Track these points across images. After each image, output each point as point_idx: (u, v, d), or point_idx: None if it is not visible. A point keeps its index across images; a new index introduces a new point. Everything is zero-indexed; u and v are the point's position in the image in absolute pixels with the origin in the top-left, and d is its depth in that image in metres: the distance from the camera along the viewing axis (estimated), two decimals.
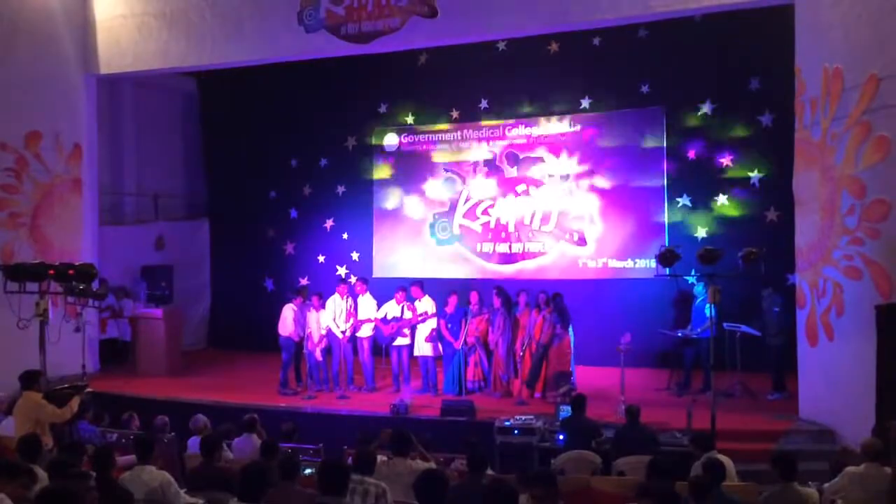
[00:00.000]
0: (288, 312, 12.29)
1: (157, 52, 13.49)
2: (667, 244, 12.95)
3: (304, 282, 15.67)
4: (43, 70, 13.15)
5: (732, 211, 13.52)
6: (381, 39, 12.13)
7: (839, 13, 9.33)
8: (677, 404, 10.41)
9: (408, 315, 12.00)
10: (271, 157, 16.56)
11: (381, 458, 6.55)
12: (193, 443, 8.05)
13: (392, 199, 15.89)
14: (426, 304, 12.05)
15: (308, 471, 6.40)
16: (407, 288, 12.26)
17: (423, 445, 7.52)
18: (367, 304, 12.30)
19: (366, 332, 12.25)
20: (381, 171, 16.00)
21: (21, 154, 12.85)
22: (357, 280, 12.83)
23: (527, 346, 11.42)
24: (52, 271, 8.30)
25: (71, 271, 8.37)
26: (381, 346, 12.55)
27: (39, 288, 8.35)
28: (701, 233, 13.61)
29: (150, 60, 13.62)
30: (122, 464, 6.50)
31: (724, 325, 11.24)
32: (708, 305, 9.45)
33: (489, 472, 6.71)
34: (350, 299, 12.25)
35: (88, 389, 8.44)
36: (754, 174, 13.36)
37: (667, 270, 9.17)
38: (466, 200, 15.26)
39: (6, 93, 12.65)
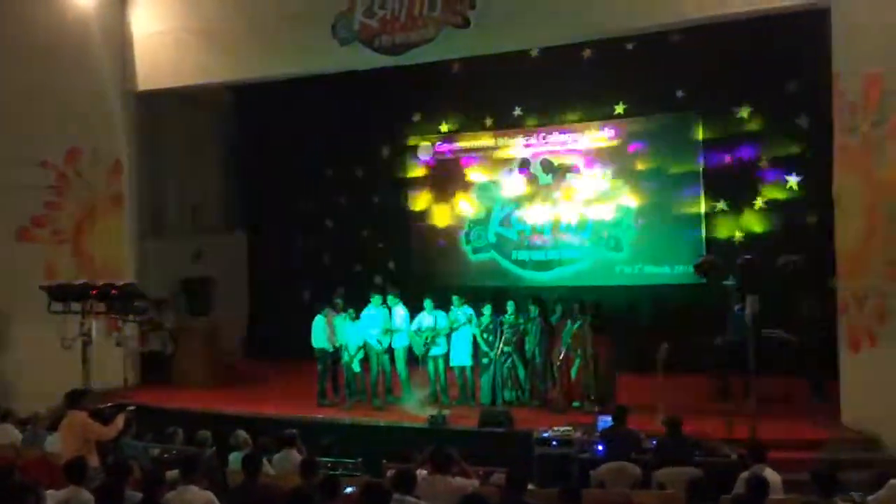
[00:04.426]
0: (321, 323, 12.31)
1: (195, 67, 13.66)
2: (704, 251, 12.87)
3: (340, 291, 15.66)
4: (81, 87, 13.44)
5: (770, 215, 13.35)
6: (414, 51, 12.18)
7: (876, 17, 9.20)
8: (716, 412, 10.22)
9: (442, 324, 12.02)
10: (307, 166, 16.56)
11: (421, 473, 6.58)
12: (234, 458, 8.12)
13: (427, 207, 15.93)
14: (461, 314, 12.04)
15: (349, 489, 6.44)
16: (440, 297, 12.27)
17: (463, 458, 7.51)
18: (400, 315, 12.33)
19: (401, 342, 12.29)
20: (416, 180, 16.05)
21: (62, 171, 13.12)
22: (389, 291, 12.87)
23: (564, 355, 11.37)
24: (94, 291, 8.44)
25: (114, 291, 8.51)
26: (416, 356, 12.55)
27: (83, 308, 8.51)
28: (739, 237, 13.47)
29: (187, 76, 13.81)
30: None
31: (763, 330, 11.06)
32: (747, 314, 9.35)
33: (529, 486, 6.70)
34: (385, 309, 12.30)
35: (132, 407, 8.57)
36: (792, 177, 13.19)
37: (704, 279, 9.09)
38: (501, 208, 15.27)
39: (46, 110, 12.95)
